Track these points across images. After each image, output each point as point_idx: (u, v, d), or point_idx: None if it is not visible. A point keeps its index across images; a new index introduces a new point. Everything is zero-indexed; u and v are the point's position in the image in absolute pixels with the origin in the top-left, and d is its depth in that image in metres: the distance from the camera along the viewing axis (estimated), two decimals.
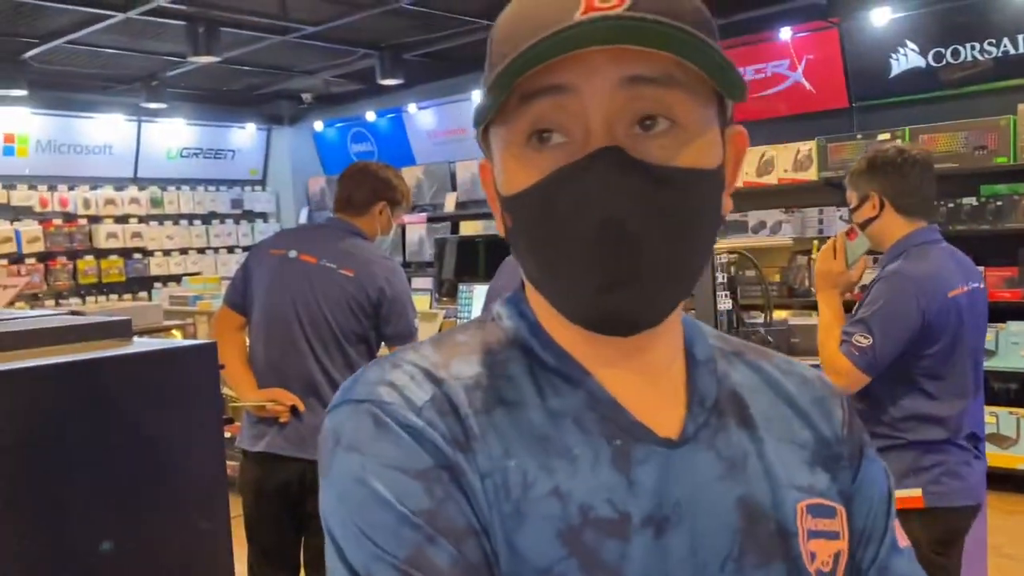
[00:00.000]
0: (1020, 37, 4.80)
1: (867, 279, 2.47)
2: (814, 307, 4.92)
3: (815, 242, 5.09)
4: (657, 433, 0.65)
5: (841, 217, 5.18)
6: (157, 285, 7.59)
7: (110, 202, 7.48)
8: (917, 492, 2.18)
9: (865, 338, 2.16)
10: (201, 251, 8.08)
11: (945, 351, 2.23)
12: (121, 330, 1.11)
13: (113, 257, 7.50)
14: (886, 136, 4.86)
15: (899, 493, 2.16)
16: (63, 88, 6.92)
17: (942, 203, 4.82)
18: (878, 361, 2.16)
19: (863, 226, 2.32)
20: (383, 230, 2.78)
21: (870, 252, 2.37)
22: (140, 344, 1.12)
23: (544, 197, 0.61)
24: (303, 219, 8.41)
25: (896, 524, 0.74)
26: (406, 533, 0.58)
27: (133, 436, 1.08)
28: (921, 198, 2.29)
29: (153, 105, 6.95)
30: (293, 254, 2.66)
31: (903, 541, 0.74)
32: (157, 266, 7.75)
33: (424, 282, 5.91)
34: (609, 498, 0.61)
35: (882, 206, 2.26)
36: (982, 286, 2.35)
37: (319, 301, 2.58)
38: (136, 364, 1.07)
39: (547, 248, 0.62)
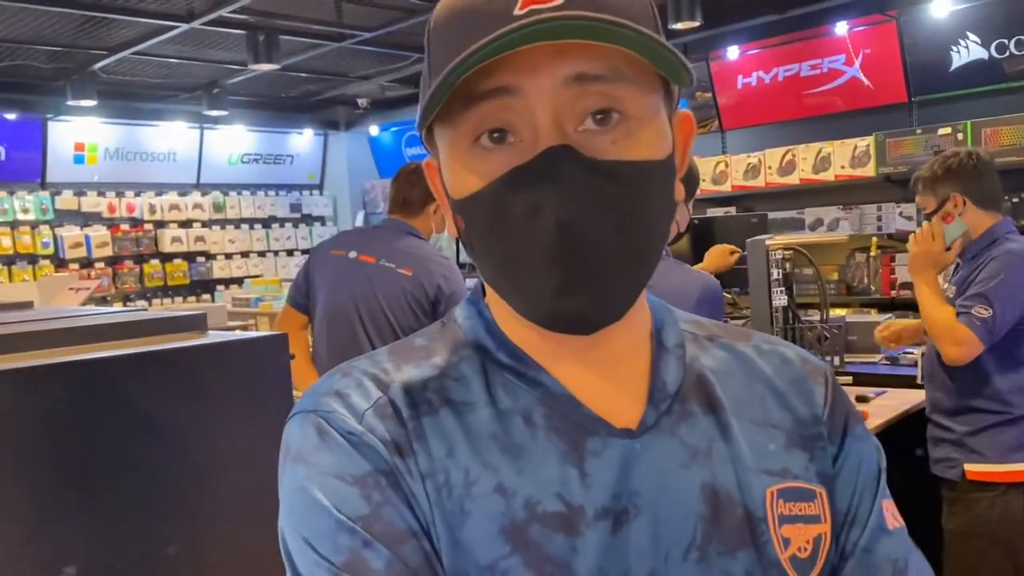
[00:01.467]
0: None
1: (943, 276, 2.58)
2: (872, 305, 4.86)
3: (874, 239, 5.01)
4: (615, 425, 0.64)
5: (901, 213, 5.09)
6: (220, 287, 7.78)
7: (174, 207, 7.70)
8: (1022, 467, 2.33)
9: (986, 310, 2.31)
10: (262, 254, 8.26)
11: None
12: (197, 323, 1.17)
13: (178, 261, 7.71)
14: (947, 131, 4.76)
15: (1007, 467, 2.33)
16: (129, 98, 7.15)
17: (1006, 198, 4.70)
18: (996, 331, 2.32)
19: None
20: (437, 229, 2.84)
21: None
22: (215, 336, 1.18)
23: (497, 199, 0.59)
24: (359, 222, 8.53)
25: (887, 504, 0.71)
26: (343, 539, 0.58)
27: (210, 425, 1.14)
28: (997, 194, 2.51)
29: (215, 112, 7.14)
30: (353, 255, 2.73)
31: (893, 522, 0.70)
32: (220, 269, 7.95)
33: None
34: (559, 492, 0.61)
35: (964, 203, 2.45)
36: None
37: (379, 300, 2.65)
38: (213, 354, 1.13)
39: (502, 251, 0.61)
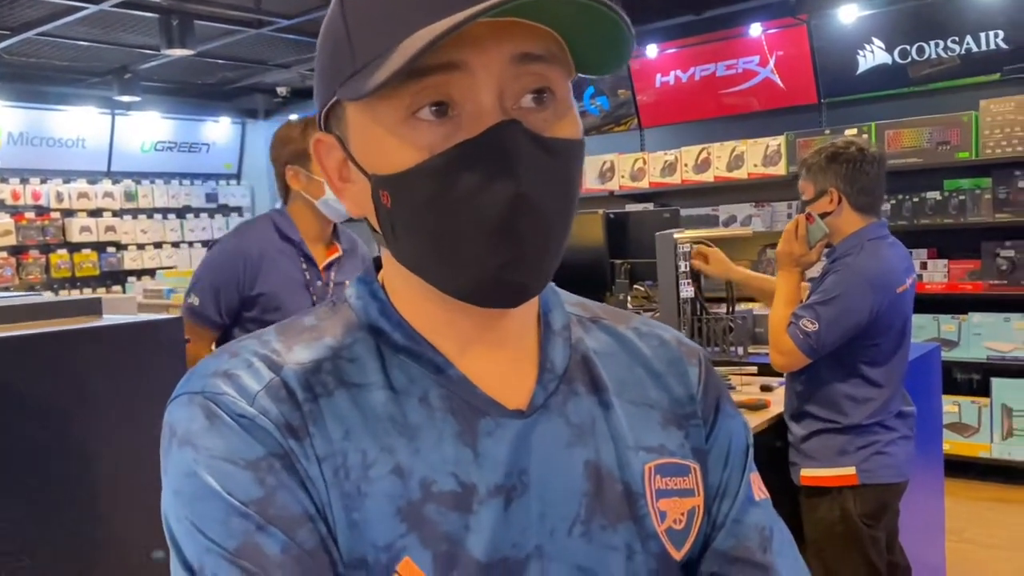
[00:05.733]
0: (983, 35, 4.91)
1: (817, 268, 2.58)
2: None
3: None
4: (506, 405, 0.65)
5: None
6: (131, 279, 7.56)
7: (83, 196, 7.44)
8: (851, 470, 2.33)
9: (812, 324, 2.28)
10: (175, 245, 8.05)
11: (892, 342, 2.37)
12: (92, 308, 1.15)
13: (86, 251, 7.45)
14: (853, 132, 4.95)
15: (834, 471, 2.31)
16: (35, 81, 6.87)
17: (906, 198, 4.92)
18: (819, 347, 2.29)
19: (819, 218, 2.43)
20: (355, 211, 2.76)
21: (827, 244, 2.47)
22: (109, 319, 1.16)
23: (442, 172, 0.58)
24: None
25: (754, 477, 0.74)
26: (235, 523, 0.57)
27: (102, 407, 1.12)
28: (876, 196, 2.42)
29: (126, 98, 6.92)
30: None
31: (760, 494, 0.74)
32: (131, 260, 7.71)
33: None
34: (453, 472, 0.62)
35: (839, 201, 2.37)
36: (915, 276, 2.51)
37: None
38: (106, 336, 1.11)
39: (442, 224, 0.60)
